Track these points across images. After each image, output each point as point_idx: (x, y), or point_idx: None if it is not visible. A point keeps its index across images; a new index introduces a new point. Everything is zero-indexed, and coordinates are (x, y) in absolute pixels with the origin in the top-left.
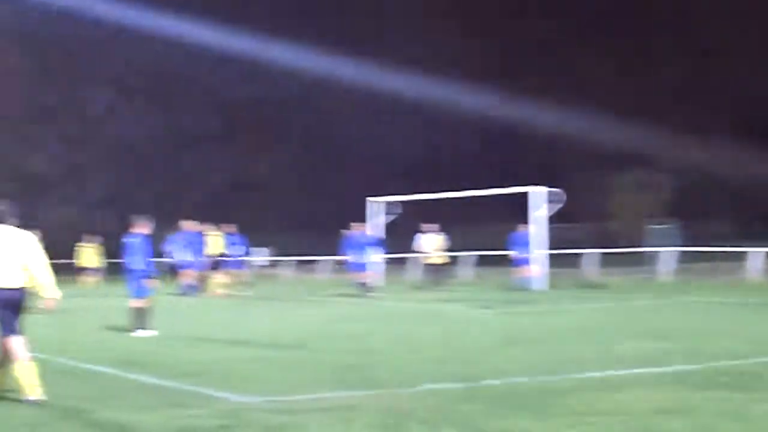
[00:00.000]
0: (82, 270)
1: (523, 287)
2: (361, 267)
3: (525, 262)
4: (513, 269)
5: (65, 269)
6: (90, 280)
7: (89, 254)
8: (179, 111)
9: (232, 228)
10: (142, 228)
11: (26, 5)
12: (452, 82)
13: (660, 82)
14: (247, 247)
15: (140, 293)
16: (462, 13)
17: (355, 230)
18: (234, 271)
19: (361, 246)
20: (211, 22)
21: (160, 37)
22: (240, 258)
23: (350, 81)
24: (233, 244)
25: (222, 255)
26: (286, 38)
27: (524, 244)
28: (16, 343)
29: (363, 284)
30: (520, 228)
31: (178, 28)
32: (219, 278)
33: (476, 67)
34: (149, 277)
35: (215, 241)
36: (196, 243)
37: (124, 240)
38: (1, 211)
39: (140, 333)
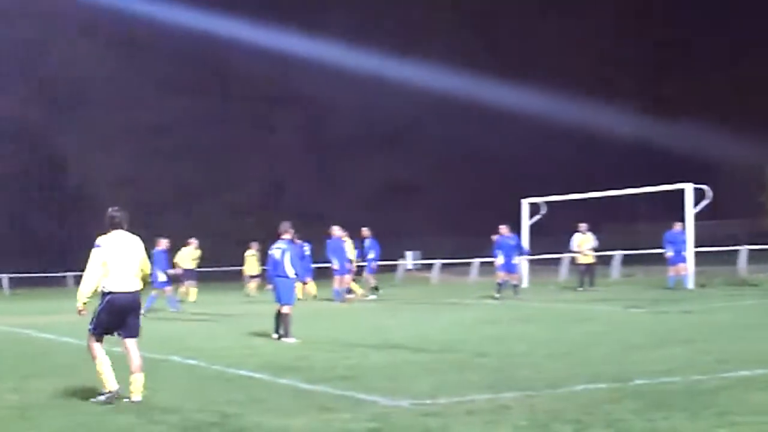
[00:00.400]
0: (251, 277)
1: (677, 286)
2: (507, 268)
3: (679, 260)
4: (668, 268)
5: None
6: (252, 286)
7: (252, 261)
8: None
9: (368, 233)
10: (288, 234)
11: None
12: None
13: None
14: (378, 252)
15: (285, 300)
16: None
17: (503, 232)
18: (368, 275)
19: (508, 248)
20: (372, 46)
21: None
22: (373, 263)
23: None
24: (370, 248)
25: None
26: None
27: (679, 242)
28: (133, 345)
29: (511, 285)
30: (675, 226)
31: (331, 53)
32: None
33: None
34: (297, 284)
35: (348, 246)
36: (342, 249)
37: (272, 247)
38: (118, 217)
39: (285, 340)
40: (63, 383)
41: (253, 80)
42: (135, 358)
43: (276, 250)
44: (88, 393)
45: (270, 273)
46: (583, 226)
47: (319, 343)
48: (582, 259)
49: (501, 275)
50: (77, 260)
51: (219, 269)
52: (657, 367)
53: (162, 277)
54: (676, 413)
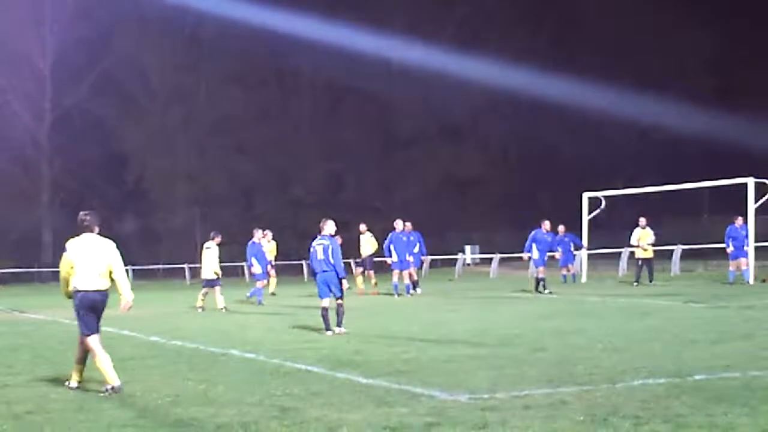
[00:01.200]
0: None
1: (737, 281)
2: (540, 263)
3: (741, 254)
4: (729, 262)
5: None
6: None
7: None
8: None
9: (409, 226)
10: (330, 229)
11: None
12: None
13: None
14: (423, 246)
15: (325, 294)
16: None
17: (544, 228)
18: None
19: (545, 243)
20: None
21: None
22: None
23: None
24: (417, 242)
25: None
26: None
27: (740, 236)
28: (95, 341)
29: (539, 280)
30: (737, 220)
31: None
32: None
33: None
34: (340, 279)
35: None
36: (402, 242)
37: (314, 243)
38: (87, 220)
39: (329, 333)
40: (123, 376)
41: (315, 75)
42: (81, 350)
43: (318, 246)
44: (148, 385)
45: (313, 269)
46: (642, 220)
47: (376, 337)
48: (641, 254)
49: (541, 270)
50: (132, 254)
51: (281, 263)
52: (716, 363)
53: (257, 269)
54: (735, 409)
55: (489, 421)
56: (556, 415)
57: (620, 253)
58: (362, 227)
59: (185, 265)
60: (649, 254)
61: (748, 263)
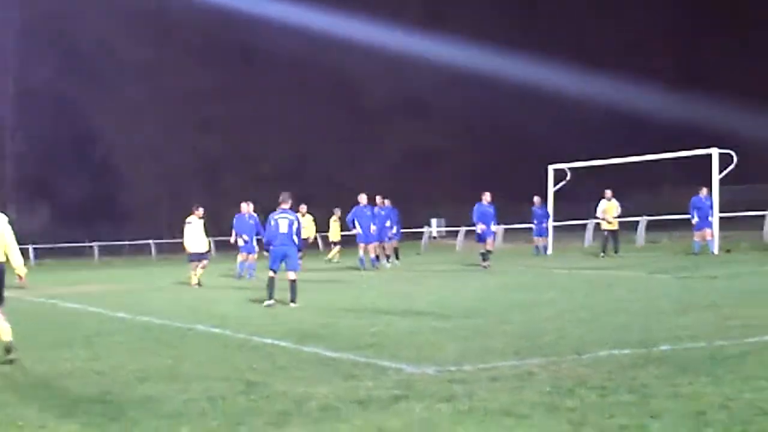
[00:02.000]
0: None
1: (702, 251)
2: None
3: (705, 225)
4: (693, 233)
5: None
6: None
7: (335, 227)
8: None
9: (387, 202)
10: (287, 204)
11: None
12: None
13: None
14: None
15: (276, 265)
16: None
17: (485, 199)
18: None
19: (490, 216)
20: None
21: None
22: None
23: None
24: (387, 217)
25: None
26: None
27: (704, 207)
28: None
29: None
30: (701, 191)
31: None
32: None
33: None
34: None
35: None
36: (366, 217)
37: (272, 216)
38: None
39: (269, 302)
40: (89, 353)
41: (279, 51)
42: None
43: (283, 220)
44: (114, 362)
45: (270, 241)
46: (608, 192)
47: (343, 310)
48: (606, 225)
49: (489, 242)
50: (98, 231)
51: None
52: (681, 333)
53: (240, 242)
54: (700, 378)
55: (456, 393)
56: (522, 386)
57: (585, 225)
58: (303, 208)
59: (151, 242)
60: (615, 226)
61: (713, 234)
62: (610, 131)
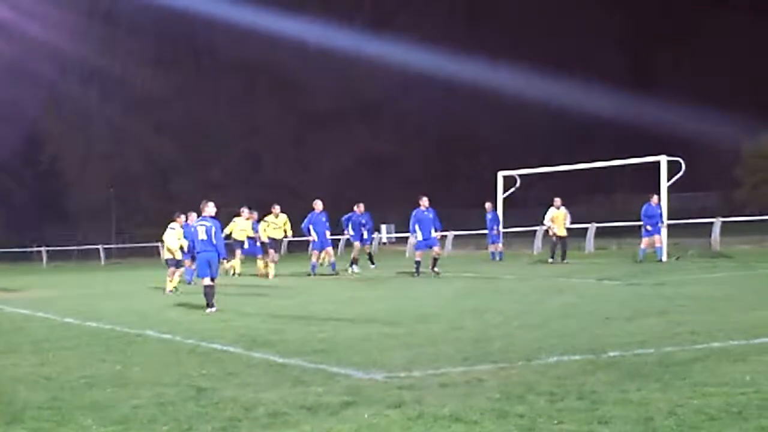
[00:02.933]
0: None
1: (647, 258)
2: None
3: (655, 232)
4: (643, 240)
5: None
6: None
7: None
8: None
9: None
10: (211, 211)
11: None
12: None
13: None
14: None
15: (205, 273)
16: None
17: (423, 204)
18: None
19: (429, 221)
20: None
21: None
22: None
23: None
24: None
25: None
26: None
27: (656, 215)
28: None
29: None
30: (652, 199)
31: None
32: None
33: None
34: (221, 259)
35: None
36: (322, 223)
37: (195, 224)
38: None
39: (209, 310)
40: (38, 358)
41: (231, 55)
42: None
43: (201, 227)
44: (63, 367)
45: (193, 249)
46: (557, 201)
47: (293, 316)
48: (556, 232)
49: (435, 250)
50: (51, 236)
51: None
52: (630, 339)
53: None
54: (649, 384)
55: (405, 399)
56: (472, 392)
57: (535, 231)
58: (276, 209)
59: (100, 246)
60: (563, 232)
61: (662, 241)
62: (563, 136)
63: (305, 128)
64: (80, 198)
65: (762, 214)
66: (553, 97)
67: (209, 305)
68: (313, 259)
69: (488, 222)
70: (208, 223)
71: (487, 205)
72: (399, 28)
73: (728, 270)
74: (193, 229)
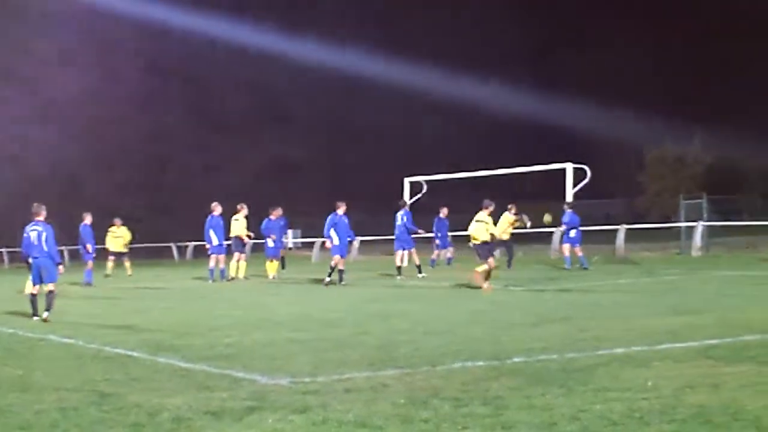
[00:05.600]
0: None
1: (560, 264)
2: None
3: (571, 241)
4: (574, 248)
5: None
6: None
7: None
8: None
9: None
10: (41, 216)
11: None
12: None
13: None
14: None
15: (37, 280)
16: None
17: (340, 210)
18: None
19: (345, 227)
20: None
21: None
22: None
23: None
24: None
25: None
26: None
27: (575, 222)
28: None
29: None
30: (566, 207)
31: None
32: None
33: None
34: (57, 264)
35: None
36: (221, 227)
37: (27, 229)
38: None
39: (36, 318)
40: None
41: (139, 57)
42: None
43: (32, 233)
44: None
45: (28, 254)
46: (444, 210)
47: (198, 321)
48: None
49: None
50: None
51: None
52: (534, 345)
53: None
54: (552, 389)
55: (310, 404)
56: (377, 397)
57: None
58: (241, 207)
59: (4, 250)
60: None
61: (566, 248)
62: (473, 139)
63: (213, 131)
64: None
65: (665, 222)
66: (464, 100)
67: (46, 309)
68: (211, 264)
69: (438, 227)
70: (40, 228)
71: (443, 210)
72: (311, 28)
73: (633, 276)
74: (25, 234)
